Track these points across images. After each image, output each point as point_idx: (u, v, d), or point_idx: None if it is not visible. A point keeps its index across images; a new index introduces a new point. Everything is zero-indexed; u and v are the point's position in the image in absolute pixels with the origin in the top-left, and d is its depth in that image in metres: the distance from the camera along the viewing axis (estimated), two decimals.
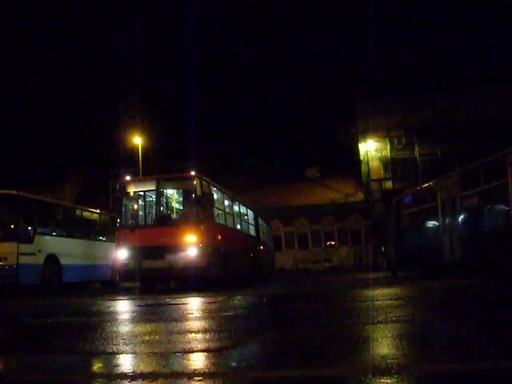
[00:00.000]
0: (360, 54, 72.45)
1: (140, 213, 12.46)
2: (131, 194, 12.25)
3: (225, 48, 76.41)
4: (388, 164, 46.41)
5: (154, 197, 12.20)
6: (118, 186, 12.39)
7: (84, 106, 67.04)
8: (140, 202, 12.50)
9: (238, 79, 76.36)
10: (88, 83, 69.18)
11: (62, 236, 13.94)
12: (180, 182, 12.85)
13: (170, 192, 13.09)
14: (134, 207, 12.53)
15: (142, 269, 11.16)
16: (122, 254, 11.46)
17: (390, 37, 74.13)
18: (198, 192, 11.59)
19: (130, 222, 12.25)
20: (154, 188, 12.02)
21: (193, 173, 12.06)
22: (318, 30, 71.16)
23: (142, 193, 12.36)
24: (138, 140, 31.56)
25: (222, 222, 13.49)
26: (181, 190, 13.07)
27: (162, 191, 12.33)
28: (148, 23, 65.78)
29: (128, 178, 12.56)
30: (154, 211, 12.21)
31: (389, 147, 46.18)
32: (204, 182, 11.96)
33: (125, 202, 12.16)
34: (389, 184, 46.37)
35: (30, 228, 12.34)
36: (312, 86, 73.74)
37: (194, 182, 11.68)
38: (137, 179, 13.68)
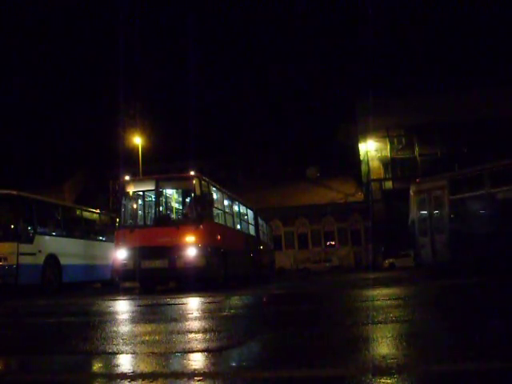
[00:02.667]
0: (360, 54, 72.44)
1: (139, 213, 12.43)
2: (130, 193, 12.22)
3: (225, 47, 76.44)
4: (388, 164, 46.41)
5: (153, 197, 12.19)
6: (117, 186, 12.37)
7: (84, 107, 67.05)
8: (139, 202, 12.46)
9: (239, 79, 76.40)
10: (88, 84, 69.24)
11: (62, 236, 13.94)
12: (179, 182, 12.82)
13: (170, 192, 13.08)
14: (133, 207, 12.50)
15: (142, 269, 11.12)
16: (121, 254, 11.43)
17: (390, 36, 74.15)
18: (197, 192, 11.57)
19: (129, 221, 12.23)
20: (153, 188, 12.00)
21: (192, 173, 12.04)
22: (319, 30, 71.19)
23: (141, 193, 12.32)
24: (137, 140, 31.57)
25: (221, 221, 13.48)
26: (180, 190, 13.05)
27: (162, 191, 12.32)
28: (148, 24, 65.84)
29: (127, 177, 12.54)
30: (153, 211, 12.20)
31: (389, 147, 46.17)
32: (203, 182, 11.95)
33: (124, 201, 12.13)
34: (389, 184, 46.35)
35: (29, 228, 12.34)
36: (312, 86, 73.77)
37: (193, 182, 11.67)
38: (136, 179, 13.62)
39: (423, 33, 66.33)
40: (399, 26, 67.54)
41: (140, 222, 12.29)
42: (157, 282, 12.75)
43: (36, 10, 66.19)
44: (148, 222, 12.22)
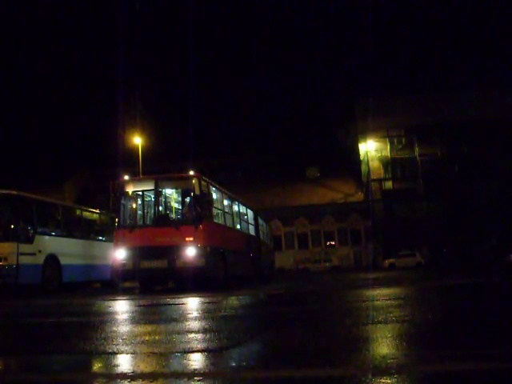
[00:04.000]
0: (360, 54, 72.49)
1: (139, 212, 12.36)
2: (130, 193, 12.15)
3: (226, 46, 76.47)
4: (388, 164, 46.43)
5: (152, 197, 12.16)
6: (116, 186, 12.33)
7: (85, 107, 67.08)
8: (139, 202, 12.39)
9: (239, 79, 76.42)
10: (88, 84, 69.25)
11: (62, 236, 13.93)
12: (179, 182, 12.78)
13: (169, 192, 13.05)
14: (132, 207, 12.42)
15: (141, 269, 11.07)
16: (120, 254, 11.37)
17: (390, 37, 74.20)
18: (197, 192, 11.51)
19: (128, 221, 12.13)
20: (152, 188, 11.96)
21: (191, 172, 12.02)
22: (319, 29, 71.22)
23: (140, 192, 12.28)
24: (137, 140, 31.57)
25: (221, 221, 13.45)
26: (179, 190, 12.99)
27: (161, 191, 12.28)
28: (149, 22, 65.84)
29: (126, 177, 12.48)
30: (152, 211, 12.16)
31: (389, 147, 46.20)
32: (203, 182, 11.90)
33: (123, 201, 12.04)
34: (389, 184, 46.39)
35: (29, 228, 12.33)
36: (312, 86, 73.79)
37: (193, 182, 11.62)
38: (136, 179, 13.49)
39: (423, 33, 66.36)
40: (399, 25, 67.57)
41: (139, 222, 12.21)
42: (156, 282, 12.71)
43: (38, 7, 66.26)
44: (147, 222, 12.16)
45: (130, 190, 12.18)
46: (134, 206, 12.45)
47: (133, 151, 32.28)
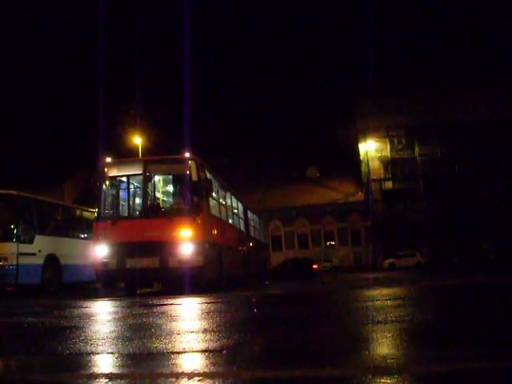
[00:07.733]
0: (361, 53, 72.49)
1: (123, 201, 10.74)
2: (113, 178, 10.48)
3: (226, 45, 76.49)
4: (388, 164, 46.42)
5: (140, 182, 10.55)
6: (97, 169, 10.54)
7: (84, 107, 67.13)
8: (124, 189, 10.70)
9: (240, 78, 76.45)
10: (87, 83, 69.30)
11: (62, 236, 13.94)
12: (172, 166, 10.84)
13: (161, 177, 11.55)
14: (116, 195, 10.71)
15: (126, 269, 9.48)
16: (101, 252, 9.69)
17: (391, 37, 74.23)
18: (194, 177, 9.94)
19: (110, 212, 10.48)
20: (140, 172, 10.18)
21: (187, 154, 10.14)
22: (319, 29, 71.25)
23: (125, 178, 10.60)
24: (138, 140, 31.59)
25: (216, 213, 11.78)
26: (173, 175, 11.46)
27: (150, 176, 10.46)
28: (147, 22, 65.92)
29: (109, 159, 10.50)
30: (140, 199, 10.65)
31: (389, 147, 46.20)
32: (200, 166, 10.31)
33: (105, 188, 10.25)
34: (389, 184, 46.38)
35: (29, 228, 12.34)
36: (313, 86, 73.79)
37: (189, 165, 9.98)
38: (120, 161, 11.02)
39: (423, 33, 66.36)
40: (399, 25, 67.59)
41: (124, 213, 10.62)
42: (143, 283, 11.08)
43: (40, 7, 66.34)
44: (134, 213, 10.63)
45: (113, 174, 10.37)
46: (118, 193, 10.71)
47: (133, 151, 32.29)
